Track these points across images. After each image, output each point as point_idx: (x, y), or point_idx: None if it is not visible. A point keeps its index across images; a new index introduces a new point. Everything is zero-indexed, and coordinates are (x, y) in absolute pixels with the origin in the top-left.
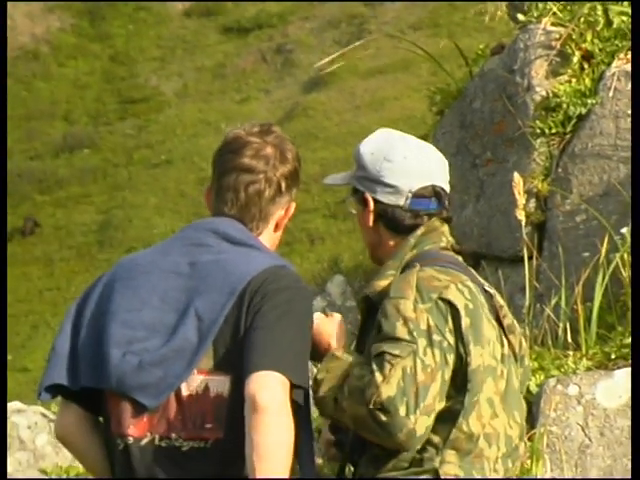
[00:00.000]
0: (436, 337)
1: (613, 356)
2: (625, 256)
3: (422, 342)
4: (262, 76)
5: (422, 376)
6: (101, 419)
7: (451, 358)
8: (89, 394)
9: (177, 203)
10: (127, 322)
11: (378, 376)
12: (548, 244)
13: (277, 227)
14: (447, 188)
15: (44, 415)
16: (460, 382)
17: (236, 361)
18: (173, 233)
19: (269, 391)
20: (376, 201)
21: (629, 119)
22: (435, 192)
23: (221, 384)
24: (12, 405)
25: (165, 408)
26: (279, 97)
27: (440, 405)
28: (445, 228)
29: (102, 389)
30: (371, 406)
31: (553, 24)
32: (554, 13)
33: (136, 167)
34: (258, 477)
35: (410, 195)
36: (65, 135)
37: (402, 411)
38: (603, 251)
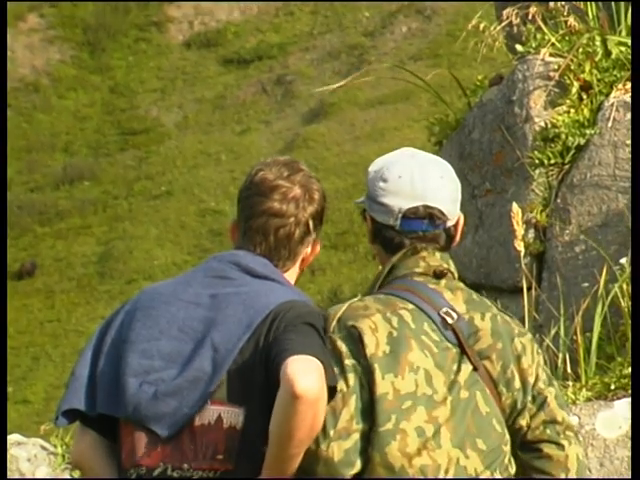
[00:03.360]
0: (348, 361)
1: (613, 387)
2: (624, 286)
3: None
4: (262, 107)
5: (332, 402)
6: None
7: (365, 381)
8: (106, 420)
9: (177, 234)
10: (145, 352)
11: None
12: (547, 275)
13: (303, 263)
14: (449, 210)
15: (44, 448)
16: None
17: (250, 394)
18: (173, 264)
19: (308, 376)
20: (373, 220)
21: (628, 149)
22: (428, 213)
23: (235, 416)
24: (12, 437)
25: (178, 438)
26: (279, 128)
27: (363, 426)
28: (426, 253)
29: (118, 417)
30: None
31: (551, 55)
32: (552, 44)
33: (136, 198)
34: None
35: (400, 215)
36: (65, 167)
37: (315, 443)
38: (602, 281)
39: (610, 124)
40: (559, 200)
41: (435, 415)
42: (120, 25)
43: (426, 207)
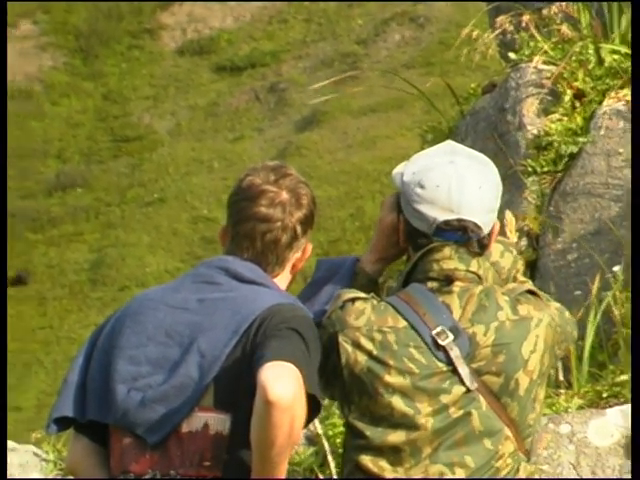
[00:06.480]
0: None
1: (605, 395)
2: (617, 294)
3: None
4: (255, 115)
5: None
6: None
7: (346, 401)
8: (98, 427)
9: (170, 242)
10: (133, 358)
11: None
12: (540, 283)
13: (294, 267)
14: (483, 221)
15: (36, 454)
16: None
17: (237, 400)
18: (166, 271)
19: (281, 383)
20: (407, 222)
21: (620, 157)
22: (462, 226)
23: (221, 422)
24: None
25: (166, 445)
26: (272, 136)
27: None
28: (441, 254)
29: (107, 423)
30: None
31: (544, 62)
32: (545, 52)
33: (129, 206)
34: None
35: (434, 226)
36: (58, 174)
37: None
38: (595, 290)
39: (603, 132)
40: (552, 208)
41: (414, 438)
42: (113, 32)
43: (460, 220)
